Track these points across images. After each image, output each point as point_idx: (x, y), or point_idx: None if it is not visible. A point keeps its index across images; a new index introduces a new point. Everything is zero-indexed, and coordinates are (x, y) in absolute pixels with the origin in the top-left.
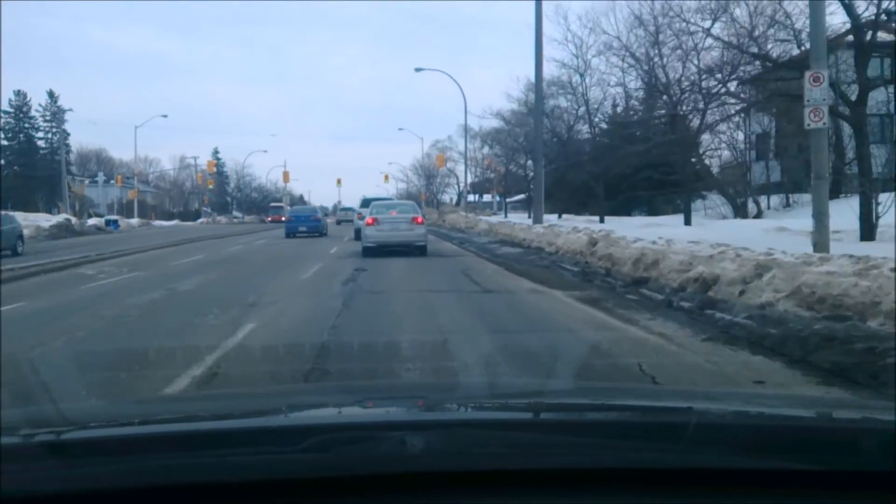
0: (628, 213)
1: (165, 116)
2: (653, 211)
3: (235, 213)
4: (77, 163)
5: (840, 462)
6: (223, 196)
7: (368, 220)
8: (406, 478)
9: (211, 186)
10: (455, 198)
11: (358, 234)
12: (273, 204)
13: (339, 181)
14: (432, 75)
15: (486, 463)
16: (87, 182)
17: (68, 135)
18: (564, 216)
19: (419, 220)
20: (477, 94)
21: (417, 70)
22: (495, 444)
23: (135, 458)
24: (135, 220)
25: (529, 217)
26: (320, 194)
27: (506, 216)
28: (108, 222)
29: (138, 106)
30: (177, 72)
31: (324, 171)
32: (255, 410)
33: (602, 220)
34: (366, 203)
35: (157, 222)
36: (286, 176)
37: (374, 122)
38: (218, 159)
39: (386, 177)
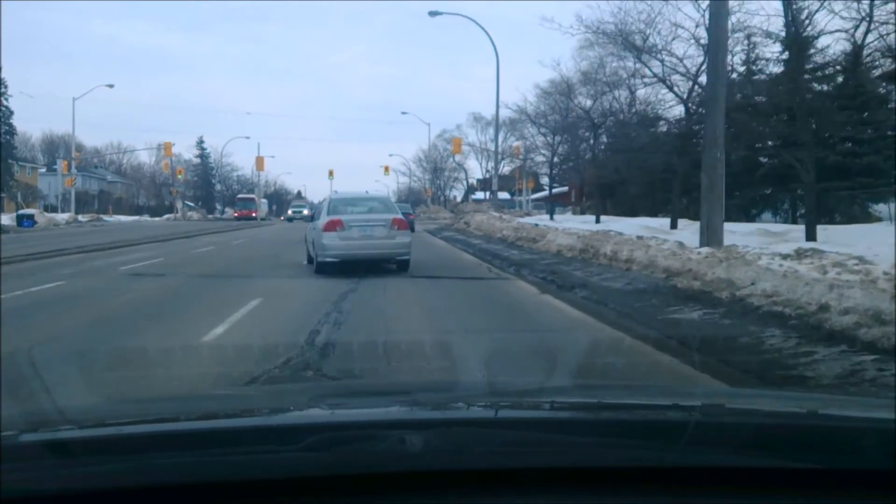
0: (748, 217)
1: (111, 86)
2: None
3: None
4: (43, 149)
5: (840, 461)
6: (208, 189)
7: (328, 221)
8: (405, 477)
9: (180, 176)
10: (459, 195)
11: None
12: (241, 196)
13: (330, 173)
14: (433, 77)
15: (486, 462)
16: (42, 169)
17: (11, 113)
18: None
19: (402, 222)
20: (478, 95)
21: (433, 14)
22: (494, 443)
23: (134, 458)
24: (64, 216)
25: (599, 221)
26: (316, 190)
27: (551, 217)
28: (20, 218)
29: (136, 100)
30: (177, 67)
31: (321, 168)
32: (255, 409)
33: (812, 235)
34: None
35: (114, 217)
36: (260, 163)
37: (375, 119)
38: (203, 149)
39: (386, 168)
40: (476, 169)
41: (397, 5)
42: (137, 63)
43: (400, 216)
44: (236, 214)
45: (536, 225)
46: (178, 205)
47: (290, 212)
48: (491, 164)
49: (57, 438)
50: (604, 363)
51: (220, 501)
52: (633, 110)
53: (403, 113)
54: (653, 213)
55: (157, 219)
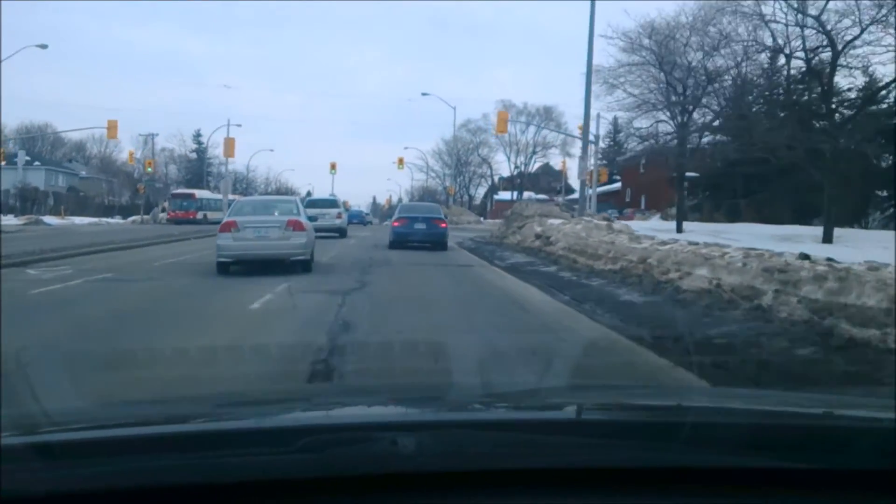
0: None
1: (45, 47)
2: None
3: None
4: (18, 141)
5: (839, 461)
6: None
7: (223, 223)
8: (399, 478)
9: (150, 169)
10: (479, 194)
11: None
12: (176, 192)
13: (332, 166)
14: (450, 81)
15: (479, 463)
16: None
17: None
18: None
19: (297, 223)
20: (482, 97)
21: None
22: (488, 444)
23: (125, 460)
24: None
25: (828, 239)
26: (324, 190)
27: (679, 229)
28: None
29: (149, 101)
30: (187, 69)
31: (337, 168)
32: (248, 411)
33: None
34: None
35: (66, 220)
36: (230, 146)
37: (391, 107)
38: (199, 143)
39: (400, 160)
40: (503, 165)
41: (413, 7)
42: (152, 66)
43: (297, 218)
44: (170, 216)
45: (832, 263)
46: (166, 204)
47: None
48: (521, 160)
49: (49, 441)
50: None
51: (212, 503)
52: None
53: (424, 94)
54: (846, 222)
55: (122, 221)
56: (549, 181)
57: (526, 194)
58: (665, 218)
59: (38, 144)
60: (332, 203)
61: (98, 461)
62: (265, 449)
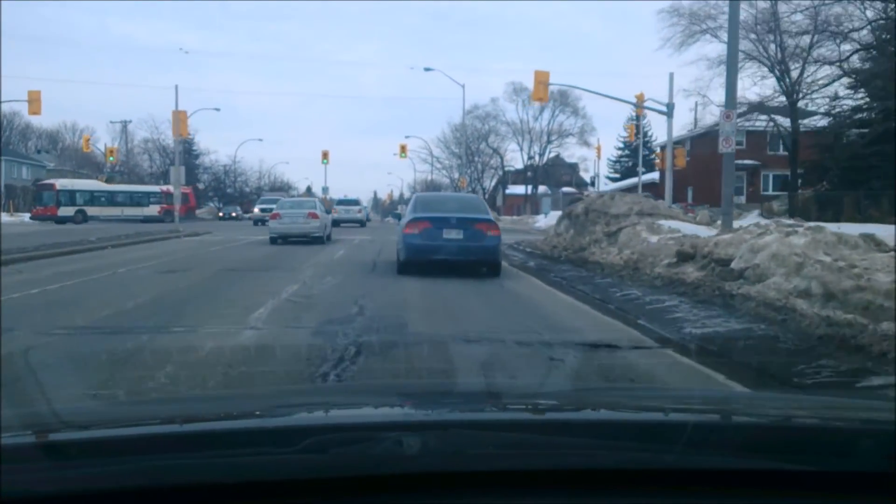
0: None
1: None
2: None
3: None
4: None
5: (838, 463)
6: (194, 183)
7: (271, 214)
8: (403, 479)
9: (112, 158)
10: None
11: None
12: (41, 182)
13: (324, 155)
14: (452, 74)
15: (483, 464)
16: None
17: None
18: None
19: (314, 214)
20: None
21: None
22: (492, 445)
23: (131, 459)
24: None
25: None
26: (318, 183)
27: None
28: None
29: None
30: (186, 64)
31: (333, 165)
32: (252, 411)
33: None
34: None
35: (15, 217)
36: (181, 122)
37: (390, 114)
38: (187, 134)
39: (403, 148)
40: (515, 155)
41: (413, 5)
42: (151, 60)
43: (314, 210)
44: (33, 213)
45: None
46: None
47: (256, 209)
48: (535, 149)
49: (54, 440)
50: None
51: (217, 503)
52: None
53: (427, 69)
54: None
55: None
56: (561, 173)
57: (541, 188)
58: (765, 215)
59: (7, 133)
60: (355, 202)
61: (104, 461)
62: (270, 449)
